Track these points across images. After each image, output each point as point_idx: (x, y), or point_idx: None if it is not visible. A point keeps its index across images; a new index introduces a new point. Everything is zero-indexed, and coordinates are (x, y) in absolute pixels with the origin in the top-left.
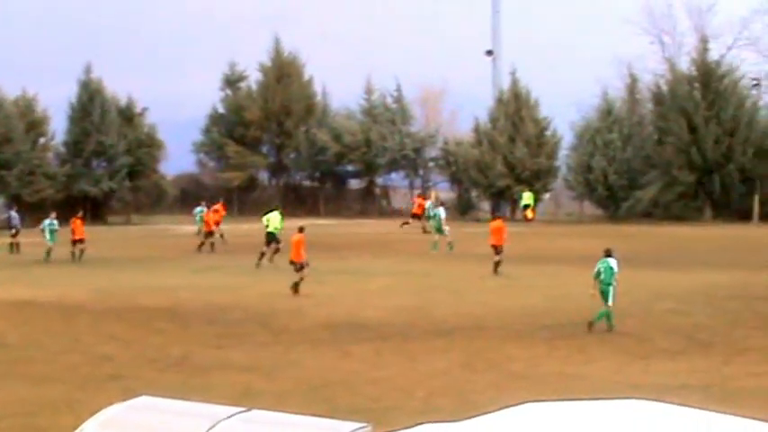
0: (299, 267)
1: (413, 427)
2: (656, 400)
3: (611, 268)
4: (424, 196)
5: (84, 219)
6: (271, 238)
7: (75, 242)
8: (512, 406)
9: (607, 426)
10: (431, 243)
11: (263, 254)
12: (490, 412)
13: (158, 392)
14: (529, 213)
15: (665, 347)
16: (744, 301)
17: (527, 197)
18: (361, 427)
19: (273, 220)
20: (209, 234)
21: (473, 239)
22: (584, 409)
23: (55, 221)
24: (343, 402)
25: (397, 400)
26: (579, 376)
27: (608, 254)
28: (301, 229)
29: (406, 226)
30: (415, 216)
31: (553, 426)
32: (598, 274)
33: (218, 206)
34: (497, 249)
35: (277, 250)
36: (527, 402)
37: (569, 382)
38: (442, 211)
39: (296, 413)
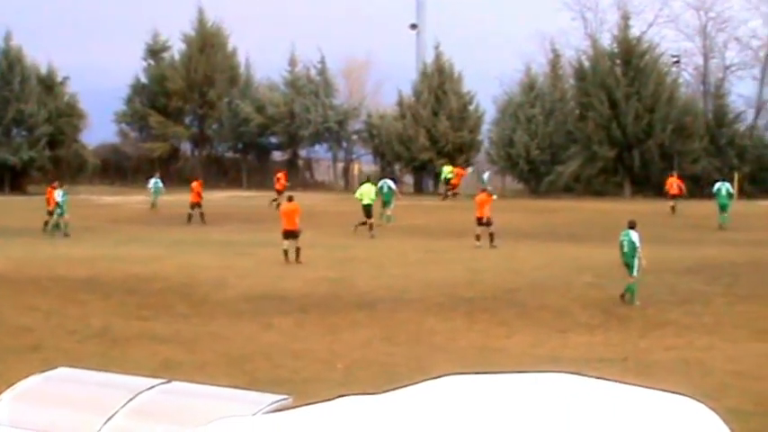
0: (294, 235)
1: (333, 398)
2: (574, 373)
3: (633, 242)
4: (464, 167)
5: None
6: (368, 210)
7: (50, 212)
8: (432, 379)
9: (526, 399)
10: (384, 217)
11: (371, 225)
12: (410, 385)
13: (78, 364)
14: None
15: (584, 321)
16: (659, 276)
17: (447, 171)
18: (281, 399)
19: (367, 192)
20: (197, 205)
21: (395, 213)
22: (504, 382)
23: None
24: (264, 374)
25: (317, 372)
26: (499, 349)
27: (631, 226)
28: (291, 199)
29: (450, 196)
30: (454, 186)
31: (473, 398)
32: (621, 245)
33: (280, 175)
34: (482, 221)
35: (370, 225)
36: (447, 375)
37: (489, 354)
38: (392, 183)
39: (216, 385)
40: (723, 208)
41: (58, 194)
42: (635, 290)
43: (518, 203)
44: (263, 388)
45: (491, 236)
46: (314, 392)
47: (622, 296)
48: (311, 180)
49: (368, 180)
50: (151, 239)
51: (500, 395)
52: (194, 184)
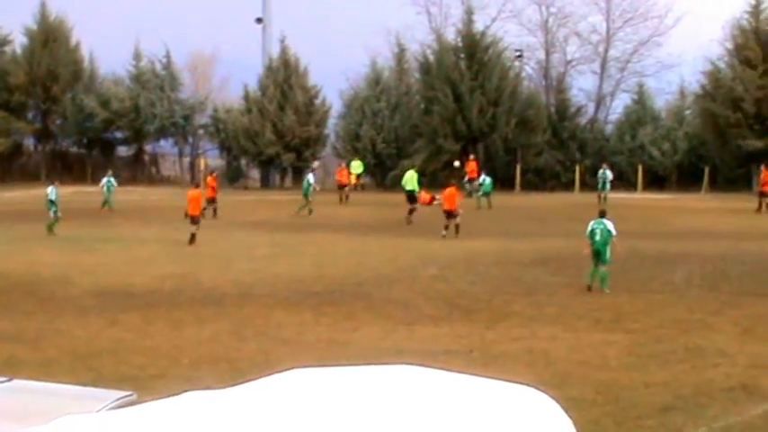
0: (195, 221)
1: (178, 394)
2: (420, 365)
3: (609, 230)
4: (477, 161)
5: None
6: (411, 197)
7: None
8: (278, 372)
9: (372, 391)
10: (297, 206)
11: (411, 210)
12: (256, 379)
13: None
14: (353, 179)
15: (430, 313)
16: (505, 268)
17: (356, 166)
18: (126, 396)
19: (410, 180)
20: (213, 200)
21: (242, 207)
22: (350, 375)
23: (56, 189)
24: (109, 371)
25: (163, 368)
26: (346, 342)
27: (602, 215)
28: (197, 186)
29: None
30: (471, 180)
31: (319, 391)
32: (592, 233)
33: (341, 168)
34: (451, 214)
35: (412, 210)
36: (293, 368)
37: (336, 348)
38: (311, 177)
39: (60, 382)
40: (486, 194)
41: (50, 191)
42: (607, 277)
43: (364, 197)
44: (108, 385)
45: (457, 227)
46: (160, 388)
47: (589, 287)
48: (157, 175)
49: (411, 167)
50: None
51: (345, 388)
52: (209, 179)
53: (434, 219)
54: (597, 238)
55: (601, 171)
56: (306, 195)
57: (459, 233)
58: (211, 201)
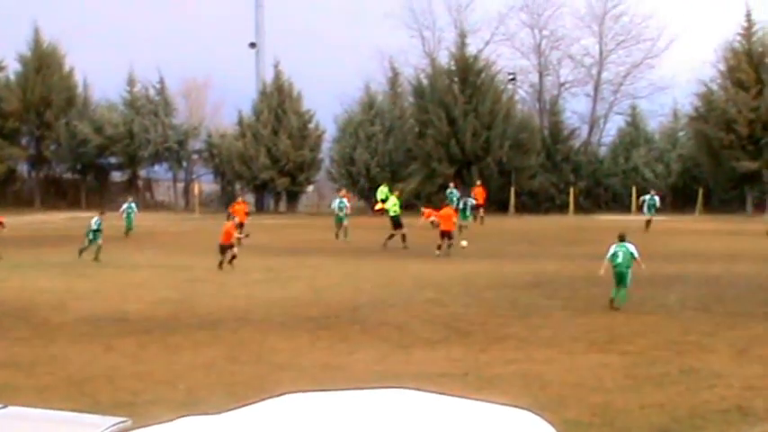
0: (228, 248)
1: (174, 419)
2: (416, 389)
3: (632, 252)
4: (484, 186)
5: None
6: (395, 221)
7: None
8: (273, 397)
9: (368, 415)
10: (342, 232)
11: (402, 236)
12: (251, 403)
13: None
14: (380, 204)
15: (426, 337)
16: (500, 291)
17: (383, 192)
18: (121, 422)
19: (393, 206)
20: (241, 225)
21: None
22: (346, 399)
23: (100, 219)
24: (105, 397)
25: (159, 394)
26: (342, 366)
27: (622, 238)
28: (229, 217)
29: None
30: (480, 206)
31: (314, 416)
32: (614, 256)
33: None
34: (449, 234)
35: (404, 236)
36: (289, 393)
37: (332, 372)
38: (345, 201)
39: (56, 408)
40: (464, 216)
41: (93, 221)
42: (625, 296)
43: (359, 221)
44: (103, 411)
45: (449, 246)
46: (156, 414)
47: (612, 304)
48: (151, 200)
49: (393, 192)
50: None
51: (340, 412)
52: (238, 205)
53: (429, 242)
54: (620, 260)
55: (648, 196)
56: (342, 219)
57: (451, 253)
58: (241, 225)
